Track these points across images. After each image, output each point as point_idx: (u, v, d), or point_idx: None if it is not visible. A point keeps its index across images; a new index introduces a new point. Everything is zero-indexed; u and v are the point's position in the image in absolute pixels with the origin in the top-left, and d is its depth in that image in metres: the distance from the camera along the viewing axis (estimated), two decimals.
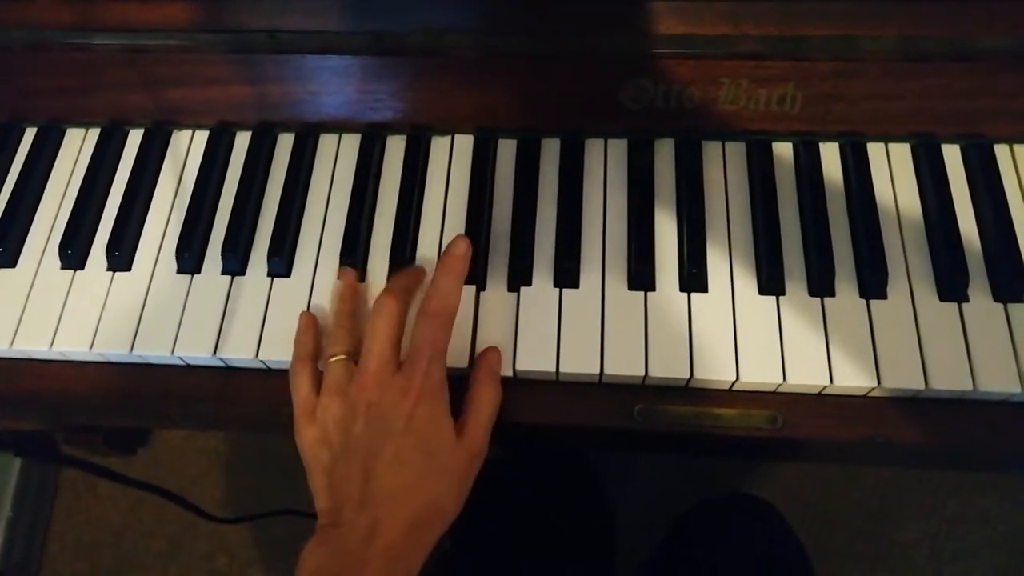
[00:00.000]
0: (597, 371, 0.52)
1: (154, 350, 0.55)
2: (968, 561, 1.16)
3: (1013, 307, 0.53)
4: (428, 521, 0.48)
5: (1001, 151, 0.58)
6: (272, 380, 0.56)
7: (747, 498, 0.77)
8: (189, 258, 0.58)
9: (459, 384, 0.52)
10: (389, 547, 0.46)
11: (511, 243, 0.57)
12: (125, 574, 1.23)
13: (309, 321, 0.55)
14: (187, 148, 0.63)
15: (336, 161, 0.62)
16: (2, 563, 1.16)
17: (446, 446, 0.49)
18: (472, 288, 0.56)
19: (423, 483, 0.48)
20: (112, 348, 0.56)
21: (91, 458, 1.25)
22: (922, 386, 0.51)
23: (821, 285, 0.54)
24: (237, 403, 0.57)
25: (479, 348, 0.54)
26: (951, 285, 0.54)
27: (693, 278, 0.55)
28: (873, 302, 0.54)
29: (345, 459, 0.48)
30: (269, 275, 0.58)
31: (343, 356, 0.51)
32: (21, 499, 1.19)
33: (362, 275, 0.58)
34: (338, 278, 0.56)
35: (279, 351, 0.55)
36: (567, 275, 0.55)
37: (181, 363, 0.57)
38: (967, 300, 0.53)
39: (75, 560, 1.24)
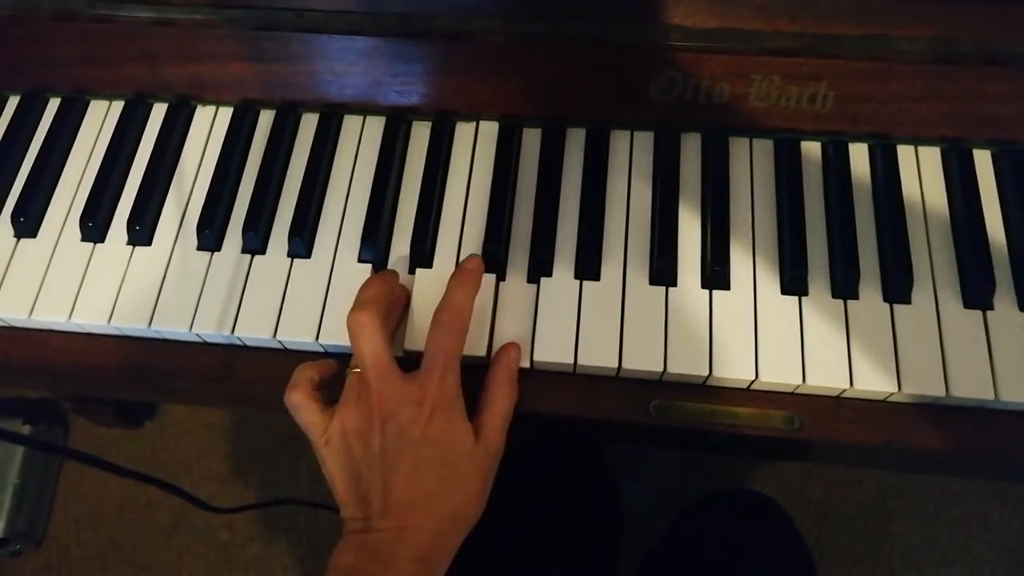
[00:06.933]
0: (615, 365, 0.52)
1: (172, 326, 0.55)
2: (969, 566, 1.16)
3: None
4: (452, 526, 0.49)
5: None
6: (288, 360, 0.55)
7: (752, 494, 0.77)
8: (209, 235, 0.58)
9: (476, 375, 0.52)
10: (417, 550, 0.47)
11: (533, 233, 0.57)
12: (128, 546, 1.24)
13: (323, 366, 0.53)
14: (210, 124, 0.63)
15: (360, 143, 0.62)
16: (8, 530, 1.17)
17: (464, 452, 0.49)
18: (492, 277, 0.55)
19: (444, 491, 0.48)
20: (130, 322, 0.56)
21: (98, 429, 1.26)
22: (943, 393, 0.50)
23: (845, 287, 0.54)
24: (252, 382, 0.57)
25: (497, 338, 0.53)
26: (976, 292, 0.53)
27: (716, 275, 0.54)
28: (896, 306, 0.53)
29: (367, 471, 0.48)
30: (289, 255, 0.57)
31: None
32: (28, 468, 1.20)
33: (384, 260, 0.57)
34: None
35: (297, 332, 0.55)
36: (588, 267, 0.55)
37: (197, 340, 0.57)
38: (992, 308, 0.53)
39: (79, 531, 1.25)
